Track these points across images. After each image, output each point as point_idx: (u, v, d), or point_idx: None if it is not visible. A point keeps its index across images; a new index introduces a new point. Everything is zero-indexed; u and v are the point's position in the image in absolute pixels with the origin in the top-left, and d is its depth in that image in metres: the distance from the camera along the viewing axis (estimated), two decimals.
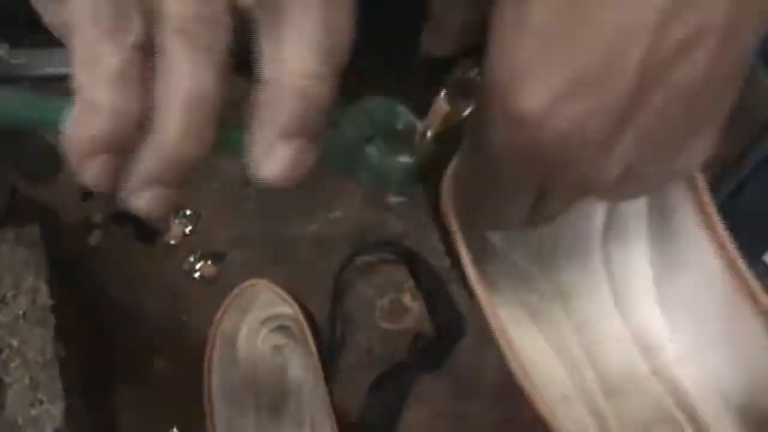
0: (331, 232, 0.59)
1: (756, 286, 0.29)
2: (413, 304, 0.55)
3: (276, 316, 0.53)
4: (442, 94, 0.30)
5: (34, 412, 0.44)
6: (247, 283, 0.51)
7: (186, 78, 0.22)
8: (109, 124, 0.22)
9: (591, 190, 0.26)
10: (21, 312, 0.47)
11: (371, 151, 0.29)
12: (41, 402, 0.44)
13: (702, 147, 0.26)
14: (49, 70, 0.75)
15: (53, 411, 0.44)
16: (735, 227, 0.48)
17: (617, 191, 0.27)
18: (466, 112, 0.29)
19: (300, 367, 0.53)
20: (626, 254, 0.34)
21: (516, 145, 0.25)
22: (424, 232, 0.57)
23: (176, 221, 0.61)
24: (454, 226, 0.30)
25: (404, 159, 0.30)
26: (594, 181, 0.25)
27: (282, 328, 0.54)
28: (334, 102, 0.25)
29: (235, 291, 0.51)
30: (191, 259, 0.59)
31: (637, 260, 0.34)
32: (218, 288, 0.57)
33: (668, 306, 0.33)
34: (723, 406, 0.30)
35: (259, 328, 0.54)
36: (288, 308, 0.51)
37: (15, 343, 0.46)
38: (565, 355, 0.34)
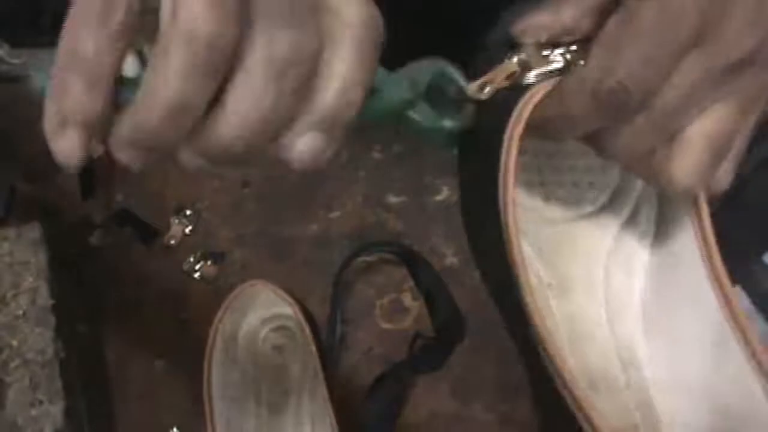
0: (331, 232, 0.59)
1: (752, 331, 0.28)
2: (413, 304, 0.56)
3: (276, 316, 0.53)
4: (516, 57, 0.30)
5: (34, 412, 0.44)
6: (247, 283, 0.51)
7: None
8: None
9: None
10: (21, 312, 0.47)
11: (413, 116, 0.30)
12: (41, 402, 0.44)
13: None
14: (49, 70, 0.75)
15: (53, 411, 0.44)
16: (735, 227, 0.49)
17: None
18: (538, 72, 0.30)
19: (300, 367, 0.53)
20: (625, 276, 0.35)
21: None
22: (424, 232, 0.58)
23: (176, 221, 0.61)
24: (510, 177, 0.30)
25: (447, 122, 0.31)
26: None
27: (282, 328, 0.54)
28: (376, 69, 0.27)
29: (235, 291, 0.51)
30: (191, 259, 0.59)
31: (633, 285, 0.34)
32: (218, 288, 0.57)
33: (652, 332, 0.33)
34: None
35: (259, 328, 0.54)
36: (288, 308, 0.51)
37: (15, 343, 0.46)
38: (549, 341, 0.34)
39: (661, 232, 0.34)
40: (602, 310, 0.35)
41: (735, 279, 0.48)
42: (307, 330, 0.50)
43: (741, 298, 0.48)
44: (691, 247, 0.31)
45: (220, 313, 0.52)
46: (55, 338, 0.46)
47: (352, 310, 0.55)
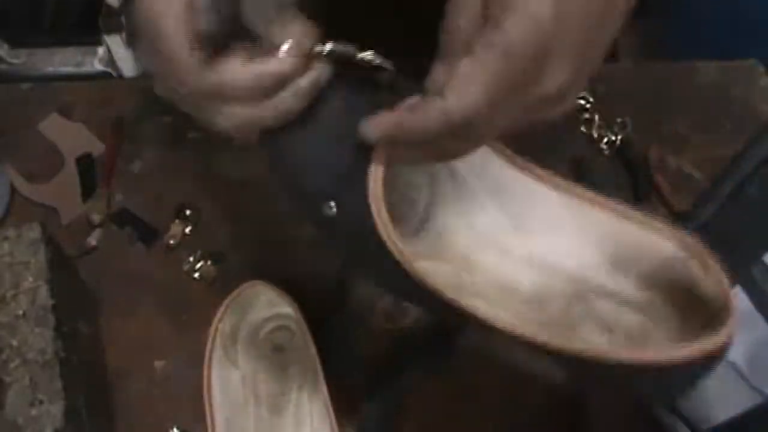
0: None
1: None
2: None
3: (276, 316, 0.53)
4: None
5: (34, 412, 0.44)
6: (247, 283, 0.51)
7: None
8: None
9: (578, 68, 0.32)
10: (21, 312, 0.47)
11: None
12: (41, 402, 0.44)
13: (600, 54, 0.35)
14: (49, 70, 0.75)
15: (53, 411, 0.44)
16: (735, 227, 0.48)
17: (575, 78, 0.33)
18: None
19: (300, 367, 0.53)
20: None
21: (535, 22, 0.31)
22: None
23: (176, 221, 0.61)
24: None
25: None
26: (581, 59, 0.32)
27: (282, 328, 0.54)
28: None
29: (235, 291, 0.51)
30: (191, 259, 0.59)
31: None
32: (218, 288, 0.57)
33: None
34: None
35: (259, 328, 0.54)
36: (288, 308, 0.51)
37: (15, 343, 0.46)
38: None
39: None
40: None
41: (735, 279, 0.48)
42: (307, 330, 0.50)
43: (741, 299, 0.48)
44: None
45: (219, 314, 0.52)
46: (55, 338, 0.46)
47: (352, 310, 0.55)
